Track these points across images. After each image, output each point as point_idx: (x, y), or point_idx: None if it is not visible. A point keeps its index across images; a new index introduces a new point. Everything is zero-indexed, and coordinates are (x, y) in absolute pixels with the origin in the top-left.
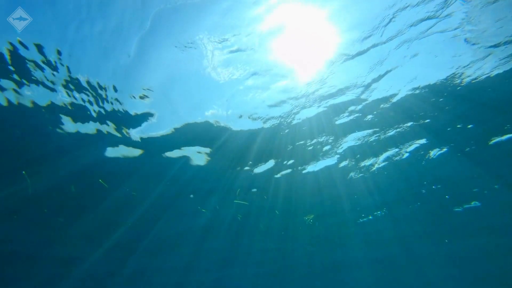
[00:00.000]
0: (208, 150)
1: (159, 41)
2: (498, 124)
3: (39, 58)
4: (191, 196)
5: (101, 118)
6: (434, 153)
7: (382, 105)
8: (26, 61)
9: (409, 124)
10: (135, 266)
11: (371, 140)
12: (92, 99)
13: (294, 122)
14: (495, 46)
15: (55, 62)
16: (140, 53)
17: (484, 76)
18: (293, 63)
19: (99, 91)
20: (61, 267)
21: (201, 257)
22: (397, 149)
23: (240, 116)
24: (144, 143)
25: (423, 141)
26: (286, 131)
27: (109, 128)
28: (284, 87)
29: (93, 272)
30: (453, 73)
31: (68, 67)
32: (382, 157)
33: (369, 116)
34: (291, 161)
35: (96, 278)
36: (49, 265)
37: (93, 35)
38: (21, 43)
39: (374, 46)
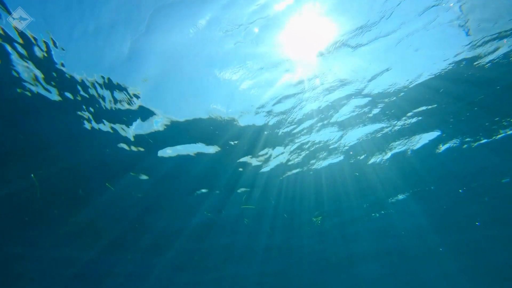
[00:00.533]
0: (209, 147)
1: (157, 37)
2: (503, 116)
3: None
4: (192, 195)
5: (97, 117)
6: (443, 147)
7: (387, 99)
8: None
9: (415, 119)
10: (138, 265)
11: (378, 136)
12: (86, 97)
13: (299, 117)
14: (502, 37)
15: (48, 59)
16: (137, 49)
17: (489, 67)
18: (295, 57)
19: (94, 88)
20: (60, 267)
21: (203, 255)
22: (404, 145)
23: (242, 113)
24: (142, 141)
25: (431, 135)
26: (290, 127)
27: (106, 126)
28: (287, 83)
29: (90, 272)
30: (456, 66)
31: (63, 65)
32: (390, 152)
33: (375, 111)
34: (297, 160)
35: (93, 278)
36: (48, 265)
37: (88, 31)
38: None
39: (378, 38)
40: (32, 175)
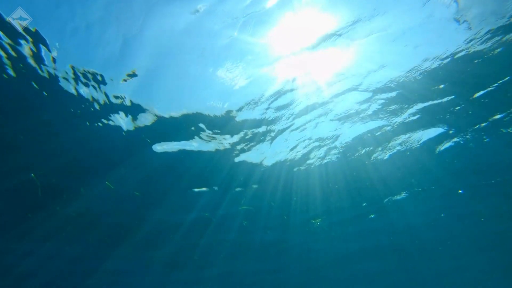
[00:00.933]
0: (203, 144)
1: (150, 32)
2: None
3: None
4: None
5: (90, 113)
6: (445, 145)
7: (386, 95)
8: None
9: (415, 116)
10: (133, 262)
11: (377, 133)
12: (78, 94)
13: (295, 114)
14: (506, 31)
15: (38, 57)
16: (129, 46)
17: (492, 62)
18: (291, 53)
19: (87, 87)
20: (54, 263)
21: (199, 252)
22: (404, 144)
23: (238, 109)
24: (135, 136)
25: (432, 133)
26: (287, 124)
27: (98, 122)
28: (283, 78)
29: (75, 269)
30: (457, 61)
31: (54, 60)
32: (389, 151)
33: (374, 107)
34: (293, 158)
35: (84, 275)
36: (38, 261)
37: (80, 29)
38: None
39: (375, 33)
40: (33, 174)
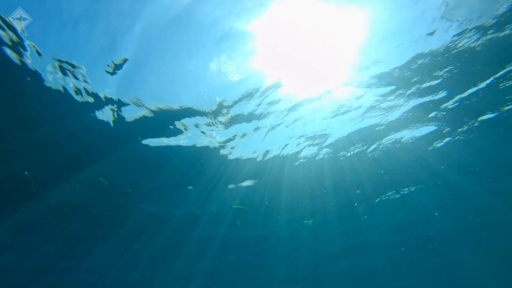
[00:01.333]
0: (193, 138)
1: (139, 26)
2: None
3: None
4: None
5: (80, 108)
6: (438, 143)
7: (378, 92)
8: None
9: (409, 114)
10: (123, 256)
11: (370, 131)
12: (66, 90)
13: (287, 110)
14: (491, 29)
15: (20, 53)
16: (116, 36)
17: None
18: (281, 48)
19: (75, 87)
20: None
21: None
22: (397, 142)
23: (231, 104)
24: (122, 130)
25: (425, 130)
26: (278, 121)
27: (89, 117)
28: (274, 73)
29: (62, 265)
30: (448, 59)
31: (39, 53)
32: (382, 150)
33: (366, 104)
34: (286, 154)
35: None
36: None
37: (67, 25)
38: None
39: (368, 28)
40: (26, 172)
